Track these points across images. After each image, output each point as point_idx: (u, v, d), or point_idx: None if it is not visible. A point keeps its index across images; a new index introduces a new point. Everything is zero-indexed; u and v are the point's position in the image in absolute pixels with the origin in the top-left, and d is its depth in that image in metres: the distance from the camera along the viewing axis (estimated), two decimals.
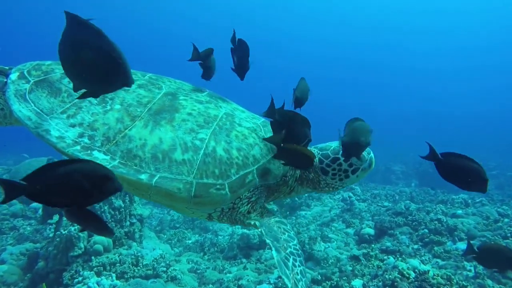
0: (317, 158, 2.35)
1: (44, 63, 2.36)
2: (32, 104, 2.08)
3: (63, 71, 2.19)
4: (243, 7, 57.14)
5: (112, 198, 5.83)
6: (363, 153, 2.26)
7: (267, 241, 2.07)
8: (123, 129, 2.03)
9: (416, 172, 17.90)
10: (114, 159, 1.95)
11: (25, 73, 2.24)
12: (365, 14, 54.71)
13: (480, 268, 5.00)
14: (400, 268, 4.37)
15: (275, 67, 62.93)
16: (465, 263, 5.38)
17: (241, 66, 2.79)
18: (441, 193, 11.82)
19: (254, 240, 6.47)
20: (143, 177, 1.93)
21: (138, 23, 54.76)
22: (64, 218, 5.88)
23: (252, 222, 2.20)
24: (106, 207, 5.75)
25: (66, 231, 5.21)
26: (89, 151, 1.95)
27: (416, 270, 4.23)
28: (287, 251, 2.02)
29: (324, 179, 2.37)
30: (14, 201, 8.56)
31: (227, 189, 2.04)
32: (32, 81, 2.19)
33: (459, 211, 7.32)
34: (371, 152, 2.36)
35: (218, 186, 2.03)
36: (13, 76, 2.23)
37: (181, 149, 2.02)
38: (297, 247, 2.08)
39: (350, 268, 5.32)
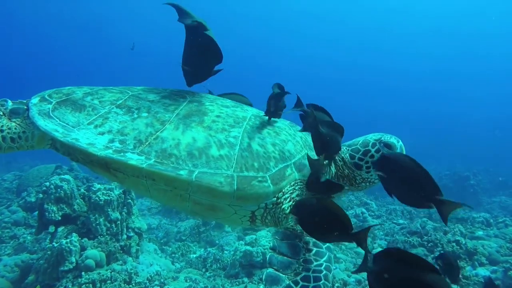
0: (347, 154, 2.37)
1: (64, 88, 2.41)
2: (57, 120, 2.11)
3: (84, 92, 2.34)
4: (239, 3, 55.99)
5: (109, 209, 5.60)
6: (393, 140, 2.29)
7: (267, 270, 1.99)
8: (154, 132, 2.03)
9: None
10: (149, 158, 1.92)
11: (46, 96, 2.29)
12: (369, 15, 53.52)
13: None
14: None
15: (277, 67, 61.63)
16: None
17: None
18: (461, 210, 11.20)
19: (258, 258, 6.10)
20: (182, 173, 1.88)
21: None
22: (59, 230, 5.69)
23: (289, 226, 2.14)
24: (101, 219, 5.52)
25: (57, 244, 4.99)
26: (122, 153, 1.93)
27: None
28: (297, 278, 1.90)
29: (359, 174, 2.35)
30: (17, 208, 8.47)
31: (269, 181, 1.99)
32: (54, 101, 2.24)
33: (480, 232, 6.80)
34: (400, 140, 2.33)
35: (260, 179, 1.98)
36: (34, 100, 2.27)
37: (216, 146, 2.01)
38: (321, 268, 1.94)
39: None
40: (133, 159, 1.90)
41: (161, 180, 1.91)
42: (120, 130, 2.04)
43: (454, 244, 5.90)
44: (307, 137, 2.38)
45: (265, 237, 6.15)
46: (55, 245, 5.00)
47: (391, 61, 58.45)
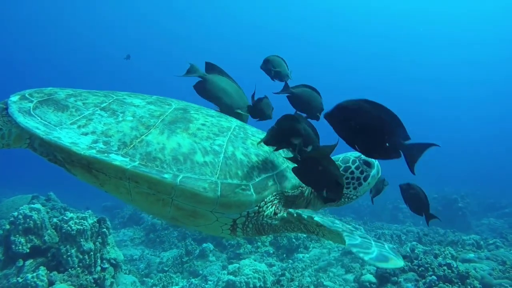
0: None
1: (45, 88, 2.34)
2: (39, 118, 2.04)
3: (67, 93, 2.27)
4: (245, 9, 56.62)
5: (81, 239, 5.25)
6: (372, 159, 2.39)
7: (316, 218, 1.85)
8: (139, 135, 2.01)
9: None
10: (133, 160, 1.89)
11: (27, 95, 2.22)
12: (374, 21, 54.32)
13: None
14: None
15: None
16: None
17: None
18: (451, 233, 11.04)
19: None
20: (167, 176, 1.87)
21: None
22: (27, 264, 5.30)
23: (284, 215, 2.09)
24: (73, 251, 5.16)
25: (22, 279, 4.62)
26: (106, 154, 1.88)
27: None
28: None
29: None
30: None
31: (252, 190, 2.01)
32: (35, 100, 2.17)
33: (471, 255, 6.57)
34: (376, 160, 2.42)
35: (243, 187, 2.00)
36: (14, 98, 2.18)
37: (201, 153, 2.01)
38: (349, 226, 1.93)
39: None
40: (117, 160, 1.87)
41: (144, 182, 1.88)
42: (104, 131, 2.01)
43: (445, 267, 5.66)
44: (288, 151, 2.45)
45: (249, 266, 5.85)
46: (20, 280, 4.63)
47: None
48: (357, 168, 2.37)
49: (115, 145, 1.95)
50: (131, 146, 1.96)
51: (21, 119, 2.00)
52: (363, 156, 2.36)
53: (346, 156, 2.43)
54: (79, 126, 2.03)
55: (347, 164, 2.39)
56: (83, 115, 2.10)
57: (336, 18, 55.86)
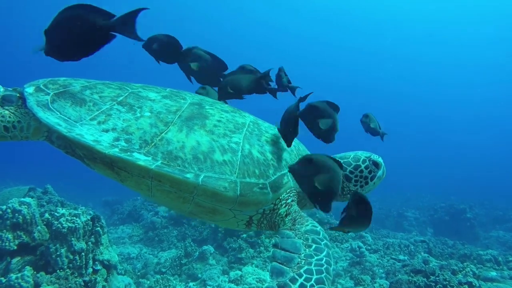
0: None
1: (59, 78, 2.31)
2: (58, 113, 2.02)
3: (81, 85, 2.25)
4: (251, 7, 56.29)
5: (73, 238, 4.85)
6: (380, 160, 2.48)
7: (272, 263, 1.94)
8: (159, 133, 2.02)
9: (431, 219, 16.65)
10: (156, 159, 1.92)
11: (42, 86, 2.19)
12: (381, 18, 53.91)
13: None
14: None
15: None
16: None
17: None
18: (460, 245, 10.56)
19: None
20: (189, 176, 1.91)
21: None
22: (13, 262, 4.90)
23: (284, 231, 2.12)
24: (63, 250, 4.75)
25: (5, 280, 4.23)
26: (129, 153, 1.90)
27: None
28: (301, 270, 1.85)
29: (347, 185, 2.47)
30: None
31: (269, 189, 2.07)
32: (51, 93, 2.14)
33: (493, 273, 6.11)
34: (383, 162, 2.49)
35: (260, 185, 2.05)
36: (29, 89, 2.15)
37: (219, 151, 2.04)
38: (322, 262, 1.90)
39: None
40: (141, 159, 1.89)
41: (167, 181, 1.92)
42: (124, 128, 2.01)
43: (466, 286, 5.22)
44: (299, 146, 2.52)
45: (252, 274, 5.43)
46: (3, 280, 4.23)
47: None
48: (366, 167, 2.45)
49: (137, 143, 1.96)
50: (152, 144, 1.97)
51: (42, 114, 1.98)
52: (372, 157, 2.47)
53: (357, 155, 2.50)
54: (99, 122, 2.02)
55: (358, 163, 2.46)
56: (101, 110, 2.08)
57: (343, 17, 55.58)
